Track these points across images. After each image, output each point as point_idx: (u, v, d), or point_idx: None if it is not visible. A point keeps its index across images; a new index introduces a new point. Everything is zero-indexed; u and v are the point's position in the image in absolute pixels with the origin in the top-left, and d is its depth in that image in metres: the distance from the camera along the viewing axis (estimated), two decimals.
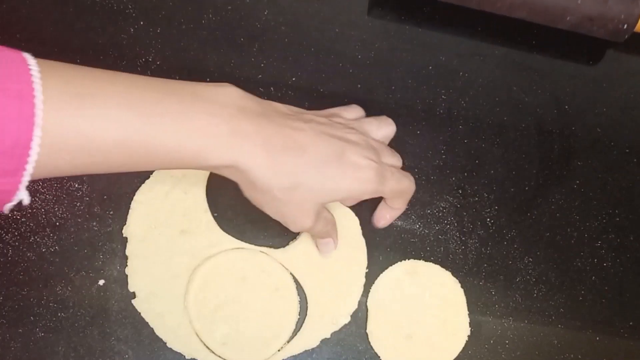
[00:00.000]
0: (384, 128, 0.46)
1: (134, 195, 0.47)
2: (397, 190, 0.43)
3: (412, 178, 0.45)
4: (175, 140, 0.35)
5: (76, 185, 0.47)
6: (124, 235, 0.46)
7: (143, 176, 0.48)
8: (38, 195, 0.46)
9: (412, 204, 0.50)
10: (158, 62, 0.51)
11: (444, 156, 0.52)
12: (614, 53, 0.56)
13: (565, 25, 0.51)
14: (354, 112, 0.47)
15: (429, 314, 0.48)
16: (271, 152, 0.37)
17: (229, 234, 0.48)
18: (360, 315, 0.47)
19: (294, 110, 0.42)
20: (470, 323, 0.48)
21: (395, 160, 0.45)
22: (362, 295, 0.48)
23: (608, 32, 0.51)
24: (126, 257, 0.46)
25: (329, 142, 0.40)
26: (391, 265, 0.48)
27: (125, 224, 0.47)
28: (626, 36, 0.51)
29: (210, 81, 0.50)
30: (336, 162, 0.39)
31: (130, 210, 0.47)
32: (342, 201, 0.46)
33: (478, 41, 0.55)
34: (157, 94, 0.35)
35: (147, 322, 0.45)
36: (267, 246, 0.48)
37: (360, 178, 0.40)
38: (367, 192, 0.41)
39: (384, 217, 0.47)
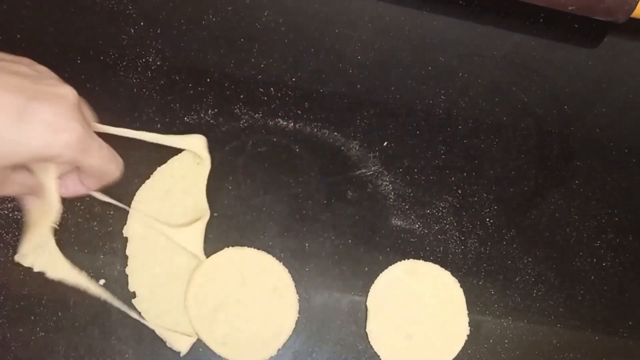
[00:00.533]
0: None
1: (134, 195, 0.47)
2: (98, 169, 0.38)
3: (120, 164, 0.40)
4: None
5: None
6: (124, 235, 0.46)
7: (143, 176, 0.48)
8: None
9: (411, 203, 0.50)
10: (158, 62, 0.51)
11: (443, 156, 0.52)
12: (612, 39, 0.56)
13: (568, 4, 0.51)
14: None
15: (429, 313, 0.48)
16: None
17: (229, 233, 0.48)
18: (360, 315, 0.48)
19: None
20: (469, 323, 0.48)
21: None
22: (362, 295, 0.48)
23: (611, 10, 0.51)
24: (126, 257, 0.46)
25: (13, 99, 0.33)
26: (391, 265, 0.48)
27: (125, 224, 0.47)
28: (628, 15, 0.51)
29: (210, 81, 0.50)
30: (20, 122, 0.33)
31: (130, 210, 0.47)
32: (42, 162, 0.37)
33: (478, 41, 0.55)
34: None
35: (147, 322, 0.45)
36: (267, 246, 0.48)
37: (55, 141, 0.34)
38: (63, 158, 0.35)
39: (67, 186, 0.41)
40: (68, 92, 0.36)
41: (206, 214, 0.47)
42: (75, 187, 0.41)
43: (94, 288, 0.45)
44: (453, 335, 0.48)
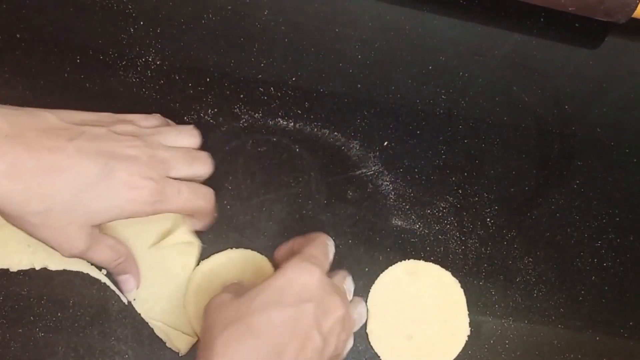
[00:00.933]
0: (184, 138, 0.43)
1: None
2: (187, 209, 0.41)
3: (209, 195, 0.43)
4: None
5: None
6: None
7: None
8: None
9: (412, 204, 0.50)
10: (158, 62, 0.51)
11: (444, 156, 0.52)
12: (613, 39, 0.56)
13: (568, 5, 0.51)
14: (150, 120, 0.44)
15: (429, 314, 0.48)
16: (17, 178, 0.35)
17: (229, 233, 0.48)
18: None
19: (67, 120, 0.39)
20: (470, 323, 0.48)
21: (197, 168, 0.42)
22: (362, 296, 0.48)
23: (611, 11, 0.51)
24: None
25: (95, 161, 0.37)
26: (391, 265, 0.48)
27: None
28: (629, 16, 0.51)
29: (210, 81, 0.50)
30: (101, 181, 0.37)
31: None
32: (118, 219, 0.40)
33: (478, 41, 0.55)
34: None
35: (147, 323, 0.45)
36: (267, 246, 0.48)
37: (132, 198, 0.38)
38: (142, 212, 0.39)
39: (195, 224, 0.45)
40: (142, 152, 0.39)
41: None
42: (196, 225, 0.45)
43: (95, 273, 0.45)
44: (453, 336, 0.48)
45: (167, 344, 0.45)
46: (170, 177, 0.41)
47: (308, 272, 0.38)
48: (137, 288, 0.45)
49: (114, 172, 0.37)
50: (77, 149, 0.37)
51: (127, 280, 0.44)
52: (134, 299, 0.45)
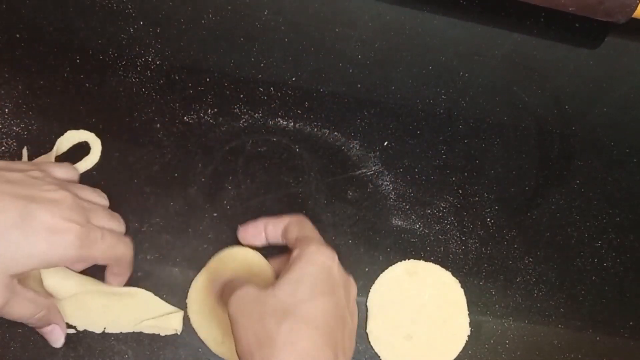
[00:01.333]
0: (97, 197, 0.43)
1: (132, 196, 0.47)
2: (110, 256, 0.40)
3: (129, 243, 0.42)
4: None
5: None
6: None
7: (145, 178, 0.48)
8: None
9: (412, 203, 0.50)
10: (158, 62, 0.51)
11: (444, 156, 0.52)
12: (613, 39, 0.56)
13: (568, 5, 0.51)
14: (65, 170, 0.43)
15: (429, 313, 0.48)
16: None
17: (229, 233, 0.48)
18: (360, 315, 0.47)
19: None
20: (470, 323, 0.48)
21: (114, 223, 0.41)
22: (362, 296, 0.48)
23: (611, 11, 0.51)
24: None
25: (13, 204, 0.35)
26: (391, 265, 0.48)
27: (124, 224, 0.47)
28: (629, 16, 0.51)
29: (210, 81, 0.50)
30: (21, 226, 0.35)
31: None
32: (41, 268, 0.39)
33: (478, 41, 0.55)
34: None
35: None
36: (267, 247, 0.48)
37: (56, 243, 0.36)
38: (68, 258, 0.37)
39: (109, 282, 0.43)
40: (64, 196, 0.38)
41: None
42: (115, 279, 0.43)
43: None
44: (453, 336, 0.48)
45: (162, 334, 0.45)
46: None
47: (330, 257, 0.39)
48: (64, 337, 0.42)
49: (34, 215, 0.35)
50: None
51: (52, 331, 0.42)
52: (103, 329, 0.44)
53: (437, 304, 0.48)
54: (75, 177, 0.44)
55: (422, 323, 0.48)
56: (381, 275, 0.48)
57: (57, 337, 0.42)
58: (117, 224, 0.43)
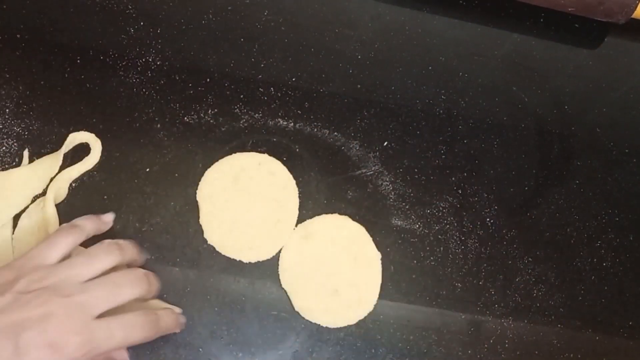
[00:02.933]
0: (100, 262, 0.39)
1: (132, 196, 0.47)
2: (113, 347, 0.37)
3: (150, 320, 0.39)
4: None
5: (74, 185, 0.47)
6: None
7: (145, 178, 0.48)
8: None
9: (412, 204, 0.50)
10: (158, 62, 0.51)
11: (444, 156, 0.52)
12: (613, 40, 0.56)
13: (568, 5, 0.51)
14: (57, 247, 0.39)
15: (339, 259, 0.48)
16: None
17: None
18: (283, 300, 0.47)
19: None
20: (470, 323, 0.48)
21: (126, 290, 0.38)
22: (274, 282, 0.47)
23: (610, 12, 0.51)
24: None
25: (5, 340, 0.34)
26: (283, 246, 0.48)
27: (123, 223, 0.47)
28: (629, 16, 0.51)
29: (210, 81, 0.50)
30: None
31: None
32: None
33: (478, 41, 0.55)
34: None
35: None
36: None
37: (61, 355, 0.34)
38: None
39: None
40: (56, 306, 0.35)
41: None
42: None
43: None
44: (369, 266, 0.48)
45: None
46: (97, 318, 0.37)
47: None
48: None
49: (29, 343, 0.34)
50: None
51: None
52: None
53: (341, 246, 0.48)
54: (72, 243, 0.40)
55: (338, 272, 0.48)
56: (281, 255, 0.48)
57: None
58: (133, 285, 0.39)
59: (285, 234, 0.48)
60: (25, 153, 0.47)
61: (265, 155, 0.49)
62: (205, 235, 0.47)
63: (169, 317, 0.42)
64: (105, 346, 0.36)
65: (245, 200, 0.48)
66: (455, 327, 0.48)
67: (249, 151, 0.49)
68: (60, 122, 0.48)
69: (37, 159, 0.47)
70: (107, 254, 0.39)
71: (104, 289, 0.38)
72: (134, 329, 0.38)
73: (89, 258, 0.39)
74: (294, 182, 0.48)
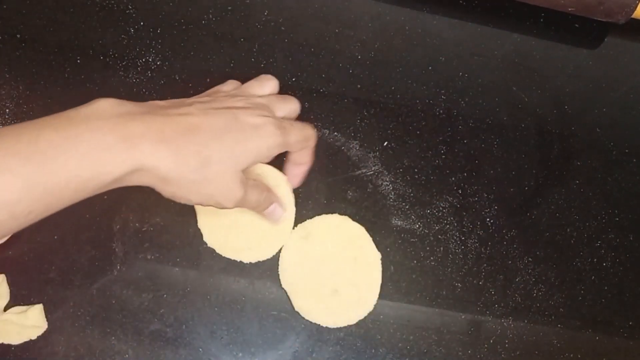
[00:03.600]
0: (266, 86, 0.46)
1: (133, 196, 0.47)
2: (302, 138, 0.44)
3: (312, 127, 0.45)
4: (68, 170, 0.33)
5: None
6: None
7: None
8: None
9: (411, 204, 0.50)
10: (158, 62, 0.51)
11: (444, 156, 0.52)
12: (613, 40, 0.56)
13: (568, 5, 0.51)
14: (232, 84, 0.47)
15: (339, 259, 0.48)
16: (168, 141, 0.37)
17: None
18: (283, 299, 0.47)
19: (174, 101, 0.42)
20: (470, 323, 0.48)
21: (290, 107, 0.45)
22: (274, 282, 0.48)
23: (610, 12, 0.51)
24: (127, 252, 0.46)
25: (219, 114, 0.40)
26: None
27: (123, 223, 0.47)
28: (628, 16, 0.51)
29: (210, 81, 0.50)
30: (233, 127, 0.39)
31: None
32: (257, 161, 0.43)
33: (478, 41, 0.55)
34: (31, 132, 0.34)
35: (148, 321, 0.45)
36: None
37: (262, 134, 0.40)
38: (274, 145, 0.41)
39: (295, 175, 0.47)
40: (251, 102, 0.43)
41: None
42: (300, 168, 0.47)
43: None
44: (368, 266, 0.48)
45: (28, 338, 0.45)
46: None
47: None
48: (283, 212, 0.47)
49: (238, 119, 0.40)
50: (200, 110, 0.40)
51: (274, 210, 0.46)
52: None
53: (341, 246, 0.48)
54: (238, 85, 0.47)
55: (339, 271, 0.48)
56: (281, 255, 0.48)
57: (278, 214, 0.46)
58: (292, 104, 0.45)
59: (284, 232, 0.48)
60: None
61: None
62: (205, 239, 0.47)
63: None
64: (291, 133, 0.43)
65: None
66: (455, 327, 0.48)
67: None
68: None
69: None
70: (269, 80, 0.46)
71: (276, 98, 0.45)
72: (303, 125, 0.44)
73: (258, 81, 0.46)
74: (284, 177, 0.48)
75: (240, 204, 0.41)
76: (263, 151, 0.41)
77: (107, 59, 0.50)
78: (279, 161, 0.49)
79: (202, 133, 0.38)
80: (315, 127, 0.51)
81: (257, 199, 0.43)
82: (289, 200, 0.48)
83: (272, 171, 0.48)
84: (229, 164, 0.39)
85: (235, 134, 0.39)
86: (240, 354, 0.46)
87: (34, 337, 0.44)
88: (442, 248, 0.50)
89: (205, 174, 0.38)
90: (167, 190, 0.38)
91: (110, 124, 0.35)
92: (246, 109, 0.41)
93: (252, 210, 0.45)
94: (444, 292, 0.49)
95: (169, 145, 0.36)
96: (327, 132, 0.51)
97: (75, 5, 0.51)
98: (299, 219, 0.49)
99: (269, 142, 0.41)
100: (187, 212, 0.48)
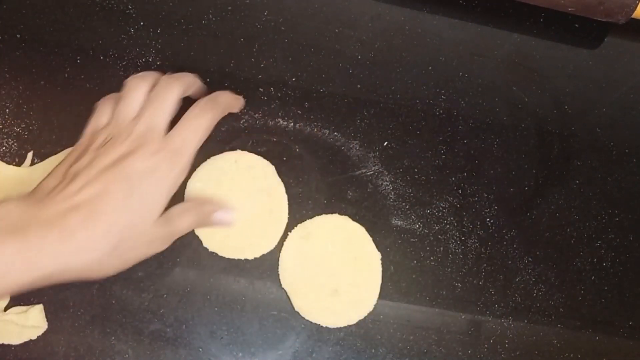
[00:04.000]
0: (134, 100, 0.41)
1: None
2: (197, 128, 0.41)
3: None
4: None
5: None
6: None
7: None
8: None
9: (411, 204, 0.50)
10: (158, 62, 0.51)
11: (444, 156, 0.52)
12: (613, 40, 0.56)
13: (567, 5, 0.51)
14: (106, 113, 0.42)
15: (339, 260, 0.48)
16: (66, 235, 0.35)
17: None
18: (283, 298, 0.47)
19: (57, 174, 0.39)
20: (470, 323, 0.48)
21: (172, 97, 0.41)
22: (274, 282, 0.48)
23: (610, 12, 0.51)
24: None
25: (109, 182, 0.37)
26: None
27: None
28: (629, 16, 0.51)
29: (211, 81, 0.50)
30: (130, 187, 0.37)
31: None
32: (169, 197, 0.40)
33: (478, 41, 0.55)
34: None
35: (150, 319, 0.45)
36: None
37: (161, 175, 0.39)
38: (179, 174, 0.39)
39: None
40: (130, 145, 0.39)
41: None
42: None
43: None
44: (369, 266, 0.48)
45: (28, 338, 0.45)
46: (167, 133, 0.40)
47: None
48: (231, 214, 0.46)
49: (130, 175, 0.38)
50: (91, 186, 0.37)
51: (222, 218, 0.45)
52: None
53: (340, 246, 0.48)
54: (137, 99, 0.42)
55: (338, 272, 0.48)
56: (281, 255, 0.48)
57: (227, 219, 0.45)
58: (176, 92, 0.42)
59: (281, 221, 0.48)
60: (29, 155, 0.47)
61: (239, 152, 0.49)
62: (205, 244, 0.47)
63: (226, 96, 0.44)
64: (187, 144, 0.40)
65: (234, 200, 0.48)
66: (455, 327, 0.48)
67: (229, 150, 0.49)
68: (60, 122, 0.48)
69: (38, 162, 0.47)
70: (142, 79, 0.43)
71: (153, 109, 0.41)
72: (202, 120, 0.41)
73: (128, 97, 0.42)
74: (272, 167, 0.48)
75: (174, 238, 0.41)
76: (171, 187, 0.39)
77: (107, 59, 0.50)
78: (268, 152, 0.49)
79: (102, 216, 0.36)
80: (315, 127, 0.51)
81: (191, 222, 0.42)
82: (280, 190, 0.48)
83: (258, 161, 0.48)
84: (143, 223, 0.38)
85: (136, 192, 0.37)
86: (240, 354, 0.46)
87: (34, 337, 0.44)
88: (442, 248, 0.50)
89: (122, 248, 0.37)
90: (94, 277, 0.38)
91: (9, 236, 0.34)
92: (133, 154, 0.38)
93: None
94: (444, 292, 0.49)
95: (67, 239, 0.35)
96: (327, 132, 0.51)
97: (75, 5, 0.51)
98: (299, 219, 0.49)
99: (171, 176, 0.39)
100: None
